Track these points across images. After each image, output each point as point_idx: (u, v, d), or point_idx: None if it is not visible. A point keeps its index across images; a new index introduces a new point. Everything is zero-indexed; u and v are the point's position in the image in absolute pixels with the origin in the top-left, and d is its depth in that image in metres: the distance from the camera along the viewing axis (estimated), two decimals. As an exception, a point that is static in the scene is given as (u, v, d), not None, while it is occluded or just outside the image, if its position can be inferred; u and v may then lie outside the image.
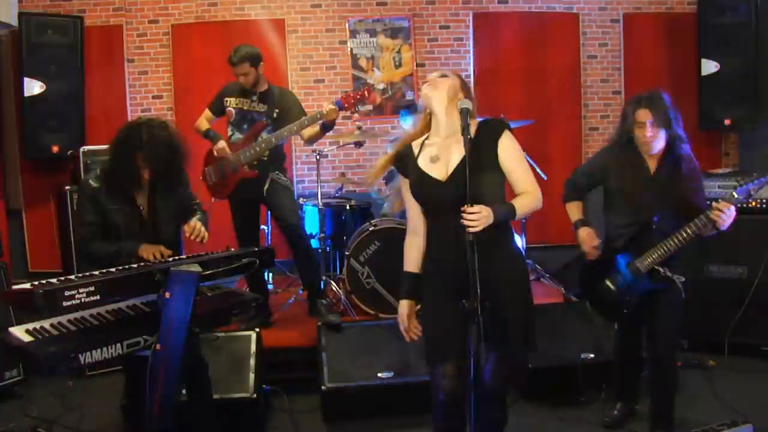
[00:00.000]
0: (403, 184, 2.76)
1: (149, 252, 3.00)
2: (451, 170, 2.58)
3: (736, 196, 3.10)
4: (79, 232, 3.20)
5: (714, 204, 3.11)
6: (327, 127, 4.38)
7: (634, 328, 3.53)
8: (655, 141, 3.26)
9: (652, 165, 3.33)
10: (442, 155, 2.63)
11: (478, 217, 2.35)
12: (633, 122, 3.29)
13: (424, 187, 2.64)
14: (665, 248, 3.22)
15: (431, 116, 2.71)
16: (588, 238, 3.45)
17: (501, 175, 2.61)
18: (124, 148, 3.05)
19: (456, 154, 2.59)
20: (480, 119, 2.68)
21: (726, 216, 3.07)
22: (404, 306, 2.74)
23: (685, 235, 3.17)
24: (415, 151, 2.72)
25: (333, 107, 4.22)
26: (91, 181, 3.11)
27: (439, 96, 2.64)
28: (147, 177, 3.10)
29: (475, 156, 2.49)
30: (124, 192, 3.10)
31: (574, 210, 3.57)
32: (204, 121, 4.63)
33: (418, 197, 2.68)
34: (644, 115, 3.24)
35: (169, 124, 3.17)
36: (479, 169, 2.49)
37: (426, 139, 2.73)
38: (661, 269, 3.26)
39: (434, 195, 2.60)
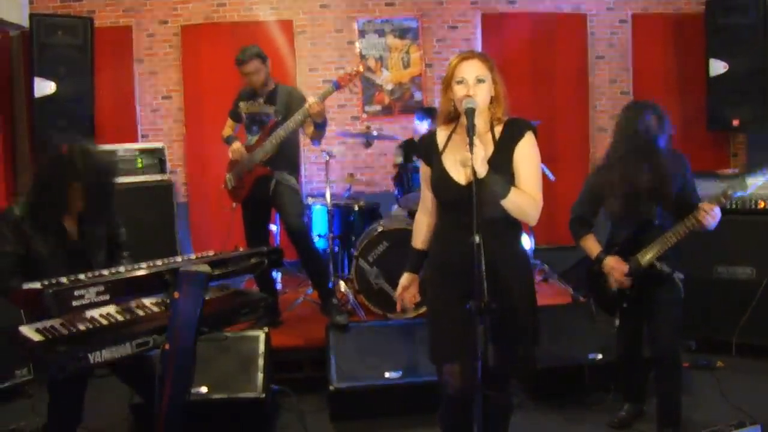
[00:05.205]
0: (424, 169, 2.74)
1: None
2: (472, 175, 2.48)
3: (729, 193, 3.16)
4: None
5: (700, 205, 3.17)
6: (319, 125, 4.32)
7: (635, 326, 3.54)
8: None
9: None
10: (467, 156, 2.46)
11: (477, 152, 2.34)
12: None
13: (442, 188, 2.62)
14: (664, 242, 3.26)
15: (455, 110, 2.60)
16: (617, 266, 3.37)
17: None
18: (57, 177, 2.93)
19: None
20: (508, 118, 2.62)
21: (711, 217, 3.13)
22: (405, 277, 2.82)
23: (680, 231, 3.22)
24: (440, 143, 2.67)
25: (314, 100, 4.15)
26: (15, 210, 2.96)
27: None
28: (79, 205, 2.99)
29: (497, 159, 2.52)
30: (52, 221, 2.98)
31: (591, 244, 3.50)
32: (228, 129, 4.70)
33: (436, 194, 2.66)
34: None
35: (97, 149, 3.09)
36: (496, 173, 2.45)
37: (453, 132, 2.66)
38: (657, 264, 3.29)
39: (452, 196, 2.57)
